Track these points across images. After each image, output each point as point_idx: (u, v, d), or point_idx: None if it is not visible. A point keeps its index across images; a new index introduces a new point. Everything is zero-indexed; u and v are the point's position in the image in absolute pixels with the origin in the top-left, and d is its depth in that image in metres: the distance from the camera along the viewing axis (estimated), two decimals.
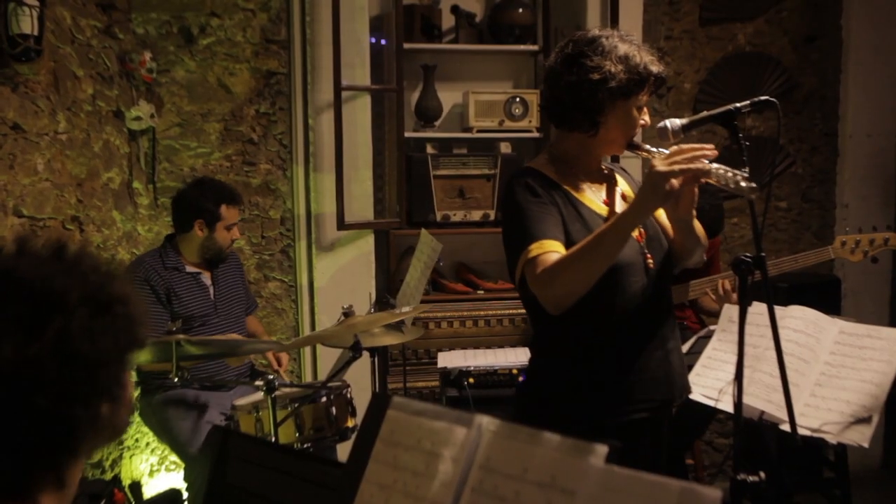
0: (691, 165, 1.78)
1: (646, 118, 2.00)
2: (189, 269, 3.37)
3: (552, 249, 1.86)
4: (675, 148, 1.84)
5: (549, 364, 2.04)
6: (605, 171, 2.11)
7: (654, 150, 1.92)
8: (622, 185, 2.10)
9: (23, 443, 1.02)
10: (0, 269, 1.04)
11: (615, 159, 3.53)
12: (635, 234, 1.98)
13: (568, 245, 1.90)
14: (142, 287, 3.20)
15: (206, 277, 3.41)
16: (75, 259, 1.09)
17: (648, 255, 1.99)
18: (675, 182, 1.78)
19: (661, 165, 1.78)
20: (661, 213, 2.08)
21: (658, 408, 2.00)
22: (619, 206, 2.03)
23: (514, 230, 1.95)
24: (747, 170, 1.78)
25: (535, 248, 1.86)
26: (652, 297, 1.98)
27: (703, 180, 1.84)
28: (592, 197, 2.02)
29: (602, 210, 2.00)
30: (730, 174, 1.77)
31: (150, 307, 3.19)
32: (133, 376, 1.16)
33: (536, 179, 1.97)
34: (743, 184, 1.75)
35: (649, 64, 1.93)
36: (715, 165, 1.79)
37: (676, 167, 1.77)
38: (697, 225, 2.03)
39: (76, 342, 1.02)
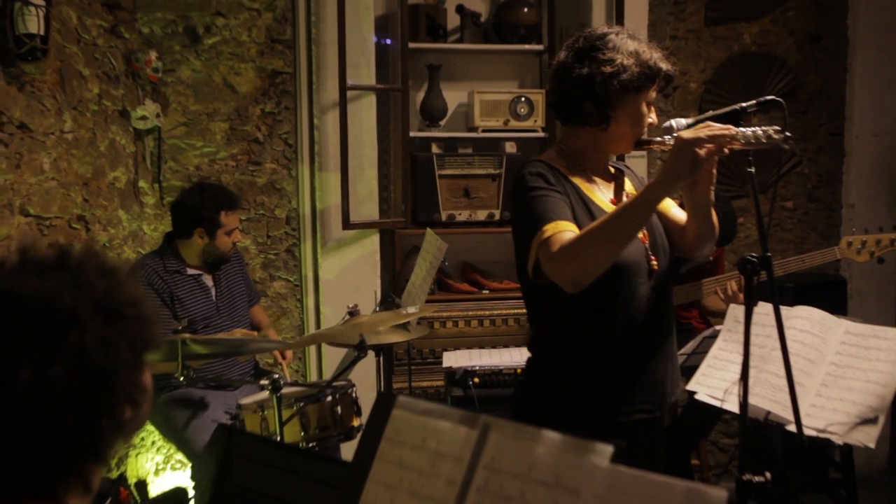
0: (717, 132, 1.77)
1: (652, 116, 1.99)
2: (190, 271, 3.37)
3: (567, 229, 1.84)
4: (700, 124, 1.84)
5: (549, 364, 2.04)
6: (613, 171, 2.11)
7: (666, 137, 1.91)
8: (628, 186, 2.10)
9: (51, 456, 1.02)
10: (4, 289, 1.02)
11: (620, 159, 3.54)
12: (640, 234, 1.98)
13: None
14: (145, 290, 3.19)
15: (208, 279, 3.41)
16: (79, 265, 1.07)
17: (652, 258, 1.98)
18: (701, 152, 1.75)
19: (687, 134, 1.77)
20: (669, 208, 2.06)
21: (654, 410, 1.99)
22: None
23: (525, 215, 1.92)
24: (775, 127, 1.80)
25: (550, 228, 1.84)
26: (654, 300, 1.97)
27: (726, 150, 1.80)
28: (600, 195, 2.02)
29: (610, 208, 1.99)
30: (759, 132, 1.76)
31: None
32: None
33: (547, 169, 1.97)
34: (776, 136, 1.74)
35: (659, 60, 1.94)
36: (741, 130, 1.78)
37: (703, 133, 1.76)
38: (716, 219, 2.00)
39: (93, 356, 1.01)
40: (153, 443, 3.78)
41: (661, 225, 2.05)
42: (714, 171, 1.88)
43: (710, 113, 1.96)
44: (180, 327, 2.87)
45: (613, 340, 1.95)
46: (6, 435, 1.00)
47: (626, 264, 1.91)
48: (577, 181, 1.99)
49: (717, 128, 1.78)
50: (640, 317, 1.94)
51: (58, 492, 1.04)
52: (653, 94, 1.96)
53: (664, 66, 1.94)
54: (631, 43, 1.93)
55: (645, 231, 1.99)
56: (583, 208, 1.95)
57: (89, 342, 1.01)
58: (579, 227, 1.89)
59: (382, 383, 3.38)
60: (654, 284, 1.97)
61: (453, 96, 4.12)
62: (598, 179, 2.04)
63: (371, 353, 3.04)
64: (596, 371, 1.96)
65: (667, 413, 2.05)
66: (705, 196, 1.92)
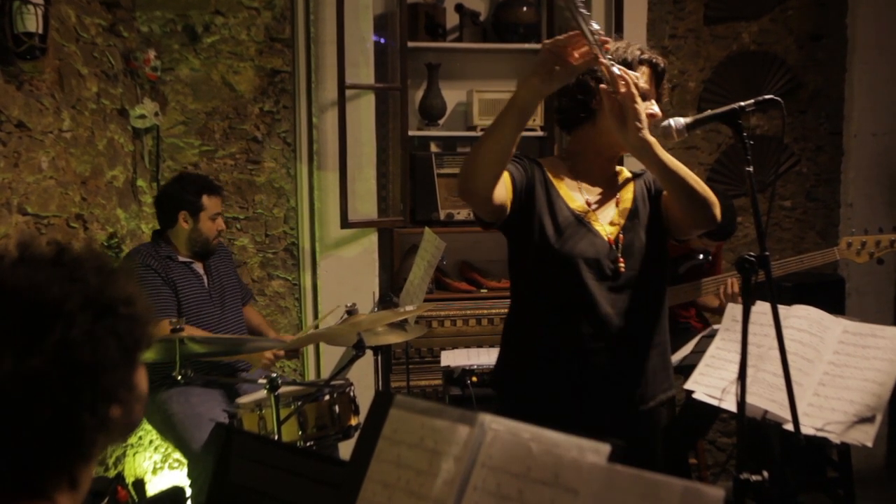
0: (570, 34, 1.72)
1: (654, 109, 1.99)
2: (182, 258, 3.38)
3: None
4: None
5: (516, 349, 2.08)
6: (619, 178, 2.11)
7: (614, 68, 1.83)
8: (626, 193, 2.09)
9: (32, 450, 1.01)
10: None
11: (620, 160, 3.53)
12: (607, 235, 1.99)
13: (529, 222, 1.96)
14: (146, 271, 3.22)
15: (199, 267, 3.43)
16: (76, 262, 1.06)
17: (621, 259, 1.98)
18: (562, 57, 1.70)
19: (548, 42, 1.75)
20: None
21: (618, 412, 2.00)
22: (609, 211, 2.03)
23: None
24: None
25: None
26: (622, 303, 1.97)
27: (602, 60, 1.75)
28: (573, 193, 2.03)
29: (579, 207, 2.01)
30: (591, 27, 1.70)
31: (159, 288, 3.21)
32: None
33: (526, 159, 2.04)
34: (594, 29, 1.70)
35: (636, 50, 1.96)
36: (585, 26, 1.70)
37: (560, 37, 1.73)
38: (685, 172, 1.89)
39: (77, 351, 1.00)
40: (151, 442, 3.78)
41: (646, 234, 2.04)
42: (637, 106, 1.79)
43: (709, 112, 1.96)
44: (178, 326, 2.86)
45: (575, 337, 1.96)
46: None
47: (572, 255, 1.94)
48: (553, 176, 2.02)
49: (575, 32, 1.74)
50: (600, 317, 1.95)
51: (45, 489, 1.04)
52: (643, 85, 1.95)
53: (641, 55, 1.97)
54: (611, 43, 1.95)
55: (620, 234, 2.00)
56: (545, 198, 1.98)
57: (75, 336, 1.00)
58: (535, 213, 1.96)
59: (380, 382, 3.38)
60: (622, 287, 1.98)
61: (452, 95, 4.12)
62: (584, 182, 2.06)
63: (369, 353, 3.04)
64: (546, 369, 1.99)
65: (643, 420, 2.05)
66: (634, 136, 1.81)
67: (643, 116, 1.81)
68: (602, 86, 1.82)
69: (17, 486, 1.03)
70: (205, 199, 3.36)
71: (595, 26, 1.70)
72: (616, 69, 1.79)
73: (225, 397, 3.28)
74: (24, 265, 1.04)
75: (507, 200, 1.91)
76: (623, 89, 1.79)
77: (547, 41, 1.75)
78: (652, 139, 1.84)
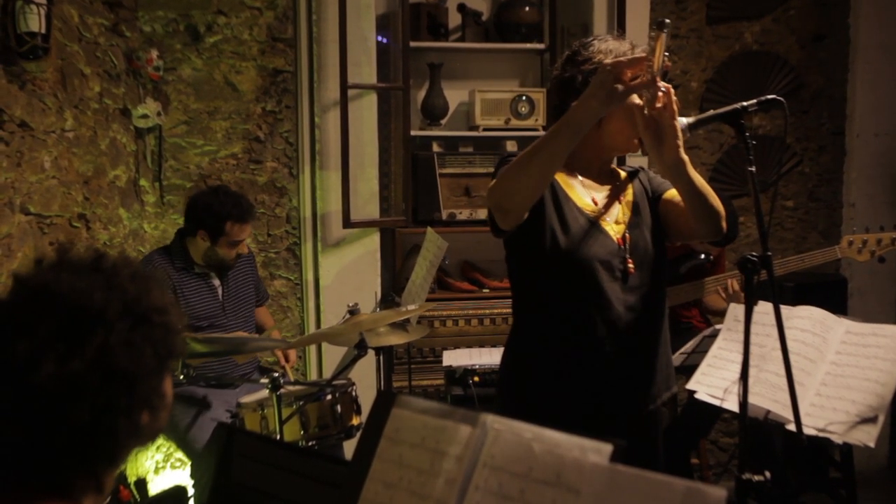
0: (635, 56, 1.73)
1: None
2: (198, 269, 3.35)
3: None
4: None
5: (524, 354, 2.06)
6: (619, 174, 2.11)
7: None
8: (627, 190, 2.08)
9: (66, 452, 1.03)
10: (39, 283, 1.05)
11: (621, 160, 3.53)
12: (616, 237, 1.98)
13: (541, 228, 1.94)
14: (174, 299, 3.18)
15: (215, 277, 3.40)
16: (113, 269, 1.09)
17: (629, 260, 1.97)
18: (620, 80, 1.69)
19: (609, 63, 1.74)
20: (675, 195, 2.01)
21: (628, 411, 1.99)
22: (614, 210, 2.03)
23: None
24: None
25: (500, 174, 1.89)
26: (634, 305, 1.97)
27: (659, 81, 1.76)
28: (581, 193, 2.02)
29: (587, 207, 2.00)
30: (664, 55, 1.73)
31: None
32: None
33: None
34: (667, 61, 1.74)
35: (640, 52, 1.94)
36: (655, 56, 1.72)
37: (624, 59, 1.73)
38: (707, 187, 1.90)
39: (116, 357, 1.03)
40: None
41: (648, 233, 2.03)
42: (677, 124, 1.80)
43: (712, 112, 1.96)
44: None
45: (586, 338, 1.95)
46: (25, 425, 1.01)
47: (591, 259, 1.93)
48: (560, 177, 2.01)
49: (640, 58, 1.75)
50: (614, 317, 1.95)
51: (73, 492, 1.06)
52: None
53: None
54: (612, 43, 1.95)
55: (627, 234, 2.00)
56: (553, 200, 1.97)
57: (114, 342, 1.03)
58: (546, 218, 1.94)
59: (382, 382, 3.38)
60: (633, 289, 1.97)
61: (454, 95, 4.12)
62: (588, 180, 2.05)
63: (371, 352, 3.05)
64: (564, 367, 1.98)
65: (647, 419, 2.05)
66: (673, 154, 1.82)
67: (681, 134, 1.81)
68: (636, 101, 1.80)
69: (46, 488, 1.04)
70: (228, 226, 3.25)
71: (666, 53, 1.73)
72: (661, 85, 1.77)
73: (227, 397, 3.28)
74: (66, 270, 1.06)
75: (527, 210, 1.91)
76: (662, 103, 1.78)
77: (607, 62, 1.74)
78: (685, 157, 1.83)
